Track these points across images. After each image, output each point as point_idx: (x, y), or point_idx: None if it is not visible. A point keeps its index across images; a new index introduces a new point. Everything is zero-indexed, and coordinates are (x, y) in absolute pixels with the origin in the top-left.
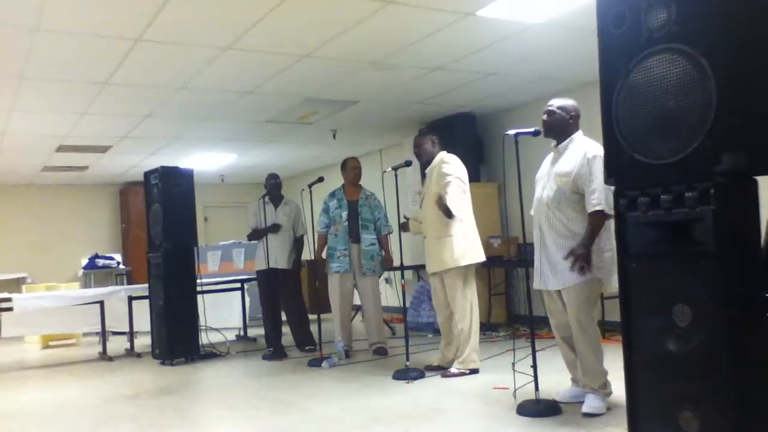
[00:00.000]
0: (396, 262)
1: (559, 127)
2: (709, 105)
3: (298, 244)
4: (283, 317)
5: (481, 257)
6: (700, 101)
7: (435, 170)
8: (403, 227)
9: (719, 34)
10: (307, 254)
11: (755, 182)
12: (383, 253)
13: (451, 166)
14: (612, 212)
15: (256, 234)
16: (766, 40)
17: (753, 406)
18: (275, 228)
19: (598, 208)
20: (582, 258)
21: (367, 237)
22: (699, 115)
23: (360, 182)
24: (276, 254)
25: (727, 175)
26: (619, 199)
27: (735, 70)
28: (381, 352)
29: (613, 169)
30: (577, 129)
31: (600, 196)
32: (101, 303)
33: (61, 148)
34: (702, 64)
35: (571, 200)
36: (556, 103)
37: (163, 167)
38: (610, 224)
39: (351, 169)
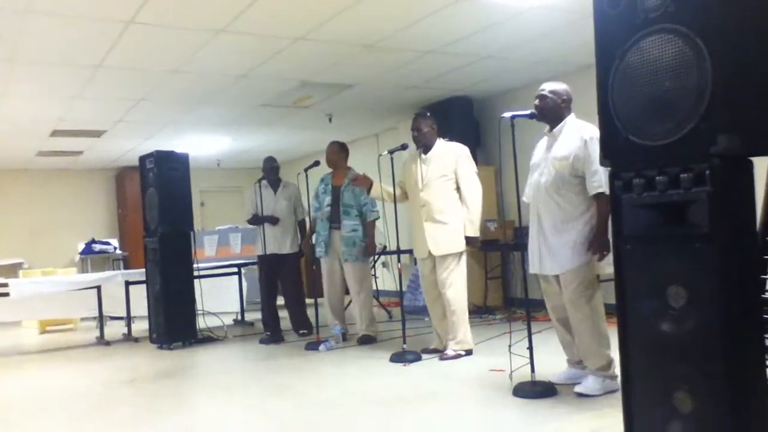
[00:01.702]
0: (392, 246)
1: (552, 112)
2: (704, 86)
3: (300, 227)
4: (281, 301)
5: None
6: (695, 82)
7: (447, 156)
8: (360, 181)
9: (715, 14)
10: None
11: (750, 163)
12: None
13: (471, 162)
14: None
15: (257, 220)
16: (762, 20)
17: (747, 387)
18: (273, 220)
19: (600, 190)
20: (603, 246)
21: (348, 223)
22: (695, 96)
23: (347, 165)
24: (278, 239)
25: (723, 156)
26: (614, 181)
27: (731, 51)
28: (365, 341)
29: (608, 151)
30: (569, 112)
31: (601, 177)
32: (98, 288)
33: (55, 133)
34: (698, 45)
35: (571, 183)
36: (547, 87)
37: (158, 151)
38: None
39: (327, 153)
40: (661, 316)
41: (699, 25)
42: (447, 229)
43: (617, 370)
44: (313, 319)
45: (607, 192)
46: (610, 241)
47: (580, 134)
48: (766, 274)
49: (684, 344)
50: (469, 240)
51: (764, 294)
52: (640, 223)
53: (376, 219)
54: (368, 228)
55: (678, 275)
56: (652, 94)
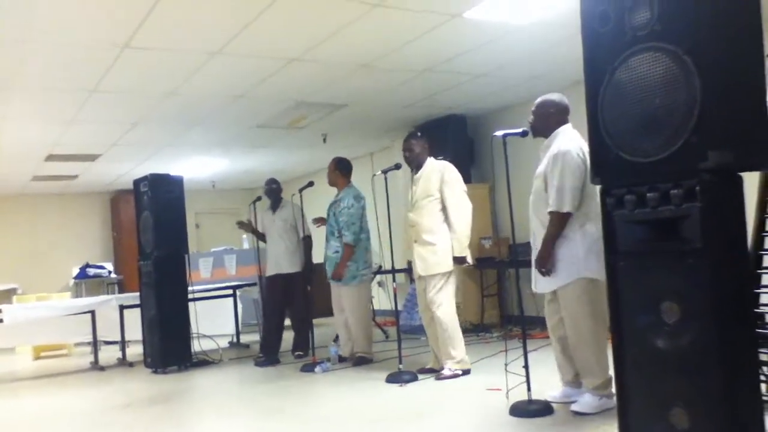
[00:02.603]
0: (387, 266)
1: (541, 123)
2: (693, 102)
3: (305, 245)
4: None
5: (469, 260)
6: (684, 99)
7: (433, 176)
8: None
9: (702, 31)
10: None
11: (740, 179)
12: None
13: (457, 181)
14: (568, 210)
15: (257, 236)
16: (747, 36)
17: (743, 402)
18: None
19: (551, 209)
20: (539, 263)
21: (333, 244)
22: (684, 113)
23: (347, 182)
24: (279, 260)
25: (713, 171)
26: (606, 198)
27: (718, 67)
28: (359, 362)
29: (599, 168)
30: (563, 123)
31: (555, 196)
32: (92, 312)
33: (50, 157)
34: (686, 62)
35: (546, 200)
36: (538, 100)
37: (152, 175)
38: (592, 222)
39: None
40: (656, 332)
41: (686, 42)
42: (434, 250)
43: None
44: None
45: (559, 211)
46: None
47: (557, 148)
48: (758, 288)
49: (679, 360)
50: (456, 260)
51: (758, 308)
52: (632, 239)
53: (348, 243)
54: (343, 252)
55: (671, 291)
56: (641, 111)
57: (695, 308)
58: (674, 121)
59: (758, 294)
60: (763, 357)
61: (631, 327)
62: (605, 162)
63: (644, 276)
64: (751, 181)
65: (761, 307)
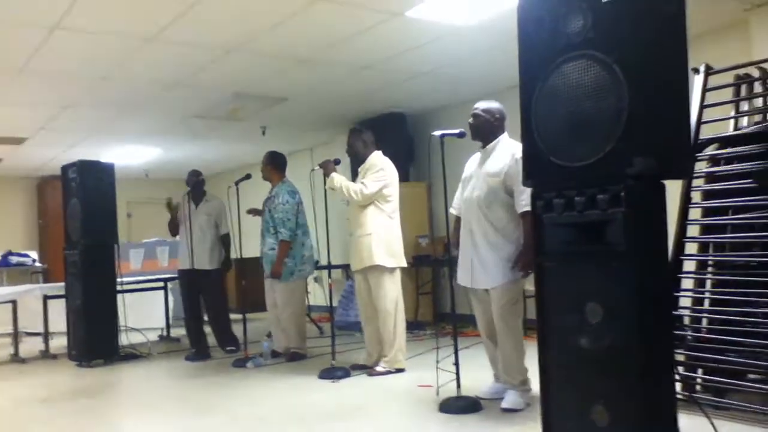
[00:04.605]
0: (323, 261)
1: (485, 129)
2: (621, 110)
3: (223, 242)
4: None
5: (398, 263)
6: (613, 106)
7: (368, 172)
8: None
9: (631, 42)
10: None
11: (663, 186)
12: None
13: (374, 173)
14: None
15: (170, 226)
16: (674, 48)
17: (659, 400)
18: (171, 227)
19: (527, 208)
20: (529, 264)
21: (269, 241)
22: (612, 120)
23: (280, 177)
24: (196, 254)
25: (638, 178)
26: (536, 201)
27: (646, 77)
28: (293, 357)
29: (531, 171)
30: (502, 131)
31: (529, 197)
32: (14, 302)
33: None
34: (615, 71)
35: (503, 200)
36: (480, 106)
37: (81, 161)
38: None
39: None
40: (580, 331)
41: (616, 52)
42: (364, 242)
43: (532, 384)
44: (241, 335)
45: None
46: None
47: (511, 151)
48: (678, 292)
49: (601, 359)
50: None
51: (676, 310)
52: (560, 241)
53: (282, 240)
54: (279, 249)
55: (595, 292)
56: (572, 116)
57: (618, 309)
58: (603, 128)
59: (678, 297)
60: (678, 357)
61: (556, 326)
62: (537, 165)
63: (570, 277)
64: (673, 189)
65: (680, 310)
